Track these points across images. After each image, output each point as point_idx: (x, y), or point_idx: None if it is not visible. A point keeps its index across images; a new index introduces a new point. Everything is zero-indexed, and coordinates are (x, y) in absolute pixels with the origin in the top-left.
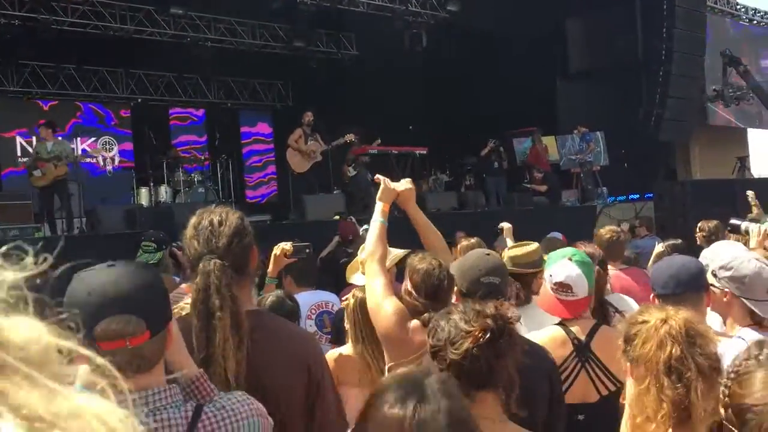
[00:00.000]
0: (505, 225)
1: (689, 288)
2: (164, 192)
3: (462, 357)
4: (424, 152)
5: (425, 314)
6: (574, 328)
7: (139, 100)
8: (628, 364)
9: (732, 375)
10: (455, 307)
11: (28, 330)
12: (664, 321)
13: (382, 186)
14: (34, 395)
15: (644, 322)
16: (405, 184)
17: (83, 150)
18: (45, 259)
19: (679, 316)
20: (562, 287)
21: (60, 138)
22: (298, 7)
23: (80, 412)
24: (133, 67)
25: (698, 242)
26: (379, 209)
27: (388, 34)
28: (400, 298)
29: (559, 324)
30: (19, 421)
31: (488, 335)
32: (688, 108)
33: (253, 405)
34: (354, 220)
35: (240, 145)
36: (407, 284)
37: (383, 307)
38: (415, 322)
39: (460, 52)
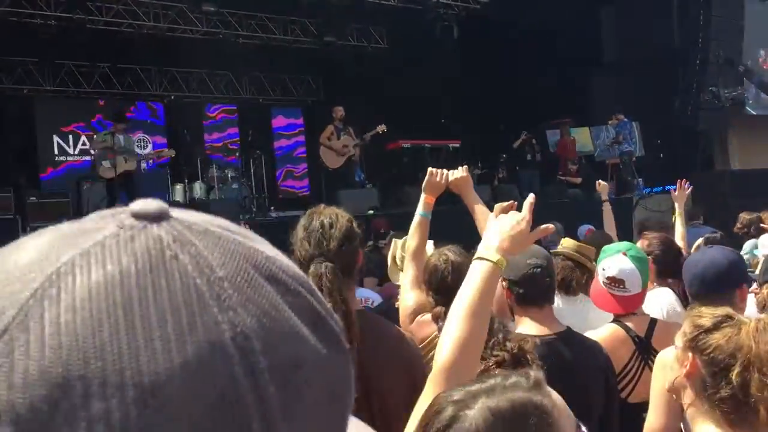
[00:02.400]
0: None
1: (712, 289)
2: (198, 188)
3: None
4: (457, 145)
5: (436, 308)
6: (632, 325)
7: (172, 97)
8: (694, 354)
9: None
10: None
11: None
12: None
13: (427, 177)
14: None
15: (728, 317)
16: (459, 172)
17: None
18: None
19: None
20: (614, 282)
21: (129, 135)
22: (329, 1)
23: None
24: (166, 65)
25: (735, 232)
26: (422, 201)
27: (419, 27)
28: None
29: (615, 321)
30: None
31: (500, 369)
32: (736, 94)
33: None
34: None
35: (272, 141)
36: (423, 280)
37: (404, 298)
38: (427, 316)
39: (492, 44)
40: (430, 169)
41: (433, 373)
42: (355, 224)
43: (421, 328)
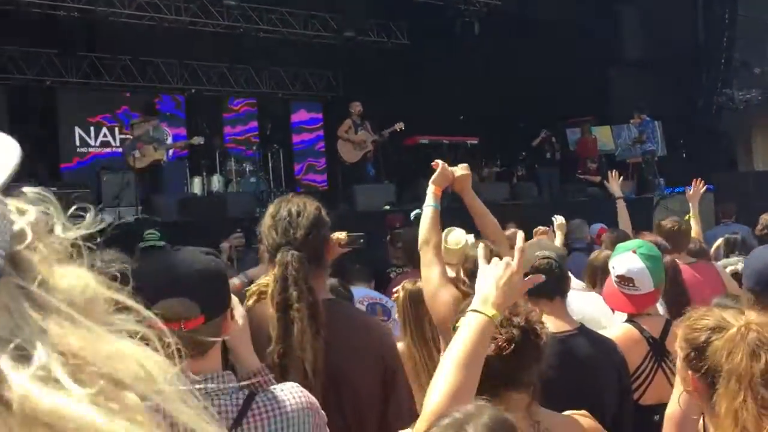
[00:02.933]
0: (559, 219)
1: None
2: (217, 181)
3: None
4: (476, 142)
5: None
6: (646, 326)
7: (193, 91)
8: (692, 372)
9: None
10: None
11: (76, 278)
12: (748, 328)
13: (438, 170)
14: (74, 335)
15: (719, 328)
16: (461, 169)
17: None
18: (102, 220)
19: (760, 320)
20: (624, 280)
21: (159, 124)
22: None
23: (119, 355)
24: (188, 58)
25: (757, 234)
26: (431, 193)
27: (439, 23)
28: (457, 287)
29: (629, 321)
30: (56, 356)
31: (512, 346)
32: (750, 97)
33: (306, 397)
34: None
35: (291, 135)
36: (460, 272)
37: (440, 295)
38: None
39: (513, 41)
40: (438, 161)
41: (422, 418)
42: (323, 212)
43: None
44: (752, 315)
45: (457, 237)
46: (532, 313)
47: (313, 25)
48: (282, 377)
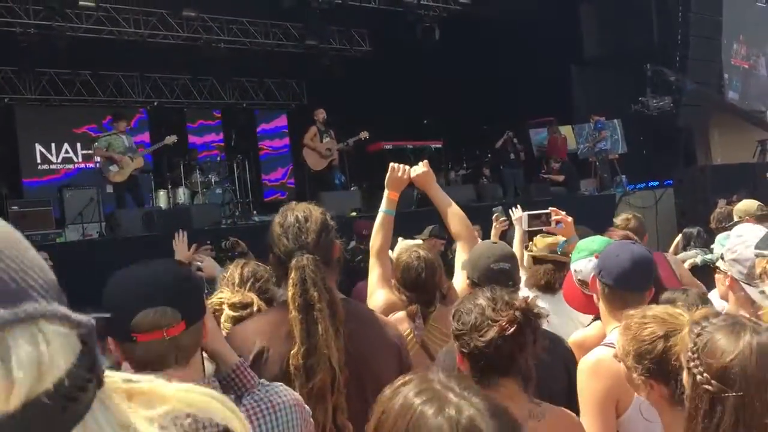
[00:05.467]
0: (518, 213)
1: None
2: (182, 194)
3: (486, 345)
4: (440, 146)
5: (411, 306)
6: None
7: (155, 104)
8: (654, 382)
9: (695, 354)
10: (482, 292)
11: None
12: (697, 322)
13: (389, 172)
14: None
15: (669, 333)
16: (419, 168)
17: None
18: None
19: (702, 313)
20: (586, 285)
21: (129, 134)
22: (310, 4)
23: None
24: (149, 71)
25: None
26: (385, 198)
27: (400, 29)
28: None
29: (597, 320)
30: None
31: (515, 327)
32: (706, 92)
33: (290, 394)
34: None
35: (256, 145)
36: (393, 279)
37: (375, 296)
38: (400, 314)
39: (474, 43)
40: (391, 164)
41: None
42: (329, 216)
43: (397, 326)
44: (687, 312)
45: (398, 246)
46: (530, 298)
47: (274, 35)
48: (308, 377)
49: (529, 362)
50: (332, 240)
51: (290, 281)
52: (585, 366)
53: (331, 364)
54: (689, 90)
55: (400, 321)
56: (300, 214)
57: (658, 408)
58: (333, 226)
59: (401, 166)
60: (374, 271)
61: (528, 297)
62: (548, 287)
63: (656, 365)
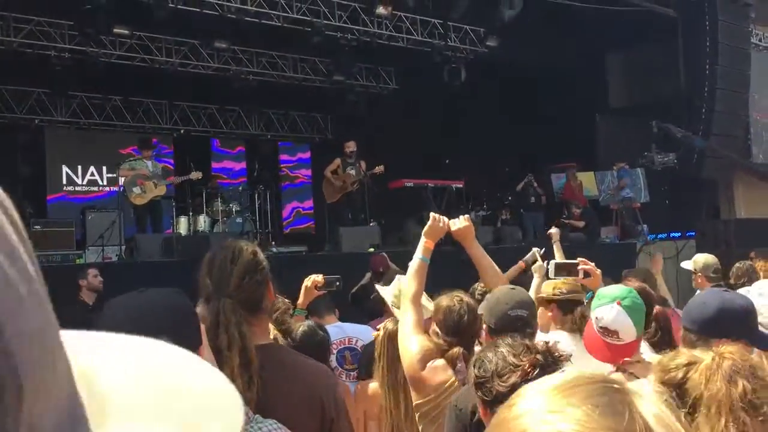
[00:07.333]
0: (538, 259)
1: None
2: (203, 221)
3: (509, 390)
4: (461, 186)
5: (452, 350)
6: (640, 374)
7: (182, 131)
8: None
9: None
10: (503, 340)
11: None
12: (722, 357)
13: (429, 222)
14: None
15: (692, 363)
16: (461, 221)
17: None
18: None
19: (732, 349)
20: (608, 332)
21: (156, 161)
22: (339, 41)
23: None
24: (177, 99)
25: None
26: (421, 245)
27: (427, 69)
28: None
29: (619, 370)
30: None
31: (537, 371)
32: (731, 145)
33: (283, 429)
34: (385, 255)
35: (279, 177)
36: (433, 324)
37: (409, 344)
38: (439, 362)
39: (499, 87)
40: (432, 214)
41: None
42: (260, 256)
43: (435, 374)
44: (722, 348)
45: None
46: (551, 342)
47: (302, 69)
48: None
49: None
50: (261, 281)
51: (206, 324)
52: None
53: None
54: (712, 144)
55: (440, 368)
56: (228, 254)
57: None
58: (263, 267)
59: (441, 217)
60: (409, 317)
61: (549, 342)
62: (572, 327)
63: (678, 392)
